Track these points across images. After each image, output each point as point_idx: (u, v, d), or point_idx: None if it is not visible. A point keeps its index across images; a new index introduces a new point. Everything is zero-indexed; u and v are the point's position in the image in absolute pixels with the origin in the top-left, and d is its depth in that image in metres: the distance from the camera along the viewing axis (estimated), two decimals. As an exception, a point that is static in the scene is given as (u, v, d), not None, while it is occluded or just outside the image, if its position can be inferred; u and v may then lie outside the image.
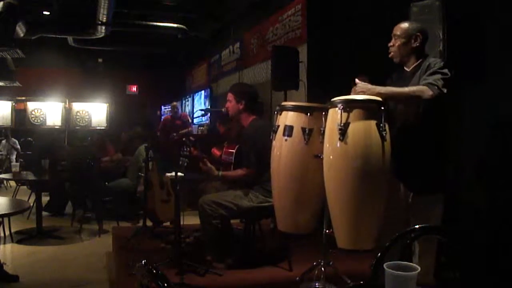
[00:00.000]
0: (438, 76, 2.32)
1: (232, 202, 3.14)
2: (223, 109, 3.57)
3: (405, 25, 2.55)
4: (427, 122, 2.41)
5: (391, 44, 2.58)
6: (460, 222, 3.03)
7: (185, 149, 3.07)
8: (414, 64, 2.53)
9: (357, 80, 2.44)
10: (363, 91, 2.38)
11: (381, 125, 2.28)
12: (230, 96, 3.44)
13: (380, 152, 2.27)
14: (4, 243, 4.48)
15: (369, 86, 2.39)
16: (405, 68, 2.58)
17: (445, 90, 2.28)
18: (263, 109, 5.79)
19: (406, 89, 2.33)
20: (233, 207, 3.13)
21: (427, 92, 2.26)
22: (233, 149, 3.53)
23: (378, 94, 2.35)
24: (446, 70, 2.37)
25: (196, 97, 10.75)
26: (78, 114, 9.29)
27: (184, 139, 3.17)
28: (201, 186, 3.75)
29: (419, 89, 2.29)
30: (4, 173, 7.24)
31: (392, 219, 2.39)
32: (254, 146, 3.18)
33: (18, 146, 9.26)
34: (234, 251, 3.23)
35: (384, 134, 2.28)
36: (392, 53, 2.58)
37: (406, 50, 2.53)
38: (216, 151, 4.26)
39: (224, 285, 2.94)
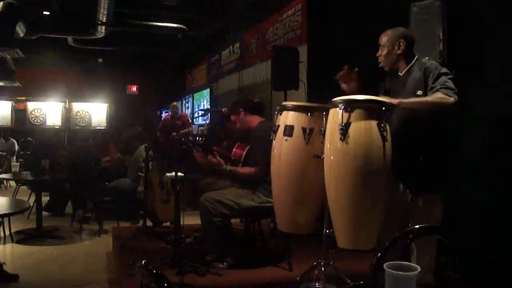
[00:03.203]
0: (445, 78, 2.36)
1: (234, 200, 3.14)
2: (223, 109, 3.59)
3: (387, 33, 2.59)
4: (427, 122, 2.42)
5: (378, 54, 2.63)
6: (460, 222, 3.03)
7: (200, 139, 3.11)
8: (406, 68, 2.56)
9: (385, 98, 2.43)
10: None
11: (382, 125, 2.28)
12: (232, 118, 3.55)
13: (381, 152, 2.28)
14: (4, 243, 4.48)
15: (394, 99, 2.39)
16: (398, 73, 2.61)
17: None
18: (263, 108, 5.79)
19: (429, 99, 2.35)
20: (235, 205, 3.13)
21: (449, 99, 2.30)
22: (244, 149, 3.53)
23: (400, 104, 2.36)
24: (447, 70, 2.40)
25: (196, 97, 10.76)
26: (78, 114, 9.31)
27: (183, 139, 3.19)
28: (207, 181, 3.73)
29: (440, 97, 2.31)
30: (4, 173, 7.24)
31: (391, 219, 2.40)
32: (262, 146, 3.16)
33: (16, 148, 9.24)
34: (234, 251, 3.23)
35: (385, 134, 2.28)
36: (381, 63, 2.63)
37: (393, 58, 2.57)
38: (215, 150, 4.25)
39: (224, 285, 2.94)
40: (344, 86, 2.66)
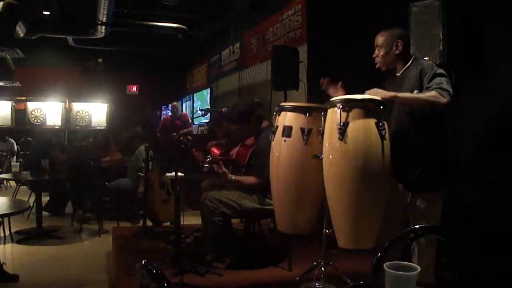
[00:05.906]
0: (442, 79, 2.35)
1: (236, 201, 3.14)
2: (223, 109, 3.57)
3: (383, 34, 2.58)
4: (425, 121, 2.42)
5: (375, 55, 2.61)
6: (459, 221, 3.03)
7: (209, 157, 3.09)
8: (403, 69, 2.56)
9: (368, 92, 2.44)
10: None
11: (381, 124, 2.29)
12: (232, 126, 3.48)
13: (380, 151, 2.28)
14: (4, 243, 4.48)
15: (381, 91, 2.39)
16: (396, 73, 2.61)
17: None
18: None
19: (423, 96, 2.35)
20: (236, 206, 3.13)
21: (442, 99, 2.28)
22: (248, 150, 3.49)
23: (394, 98, 2.36)
24: (444, 72, 2.39)
25: (196, 97, 10.75)
26: (78, 114, 9.30)
27: (181, 138, 3.18)
28: (209, 179, 3.70)
29: (435, 95, 2.30)
30: (4, 173, 7.24)
31: (391, 219, 2.40)
32: (268, 156, 2.94)
33: (15, 148, 9.23)
34: (234, 251, 3.23)
35: (383, 133, 2.28)
36: (378, 64, 2.62)
37: (390, 58, 2.57)
38: (215, 151, 4.26)
39: (224, 285, 2.94)
40: (331, 93, 2.72)
